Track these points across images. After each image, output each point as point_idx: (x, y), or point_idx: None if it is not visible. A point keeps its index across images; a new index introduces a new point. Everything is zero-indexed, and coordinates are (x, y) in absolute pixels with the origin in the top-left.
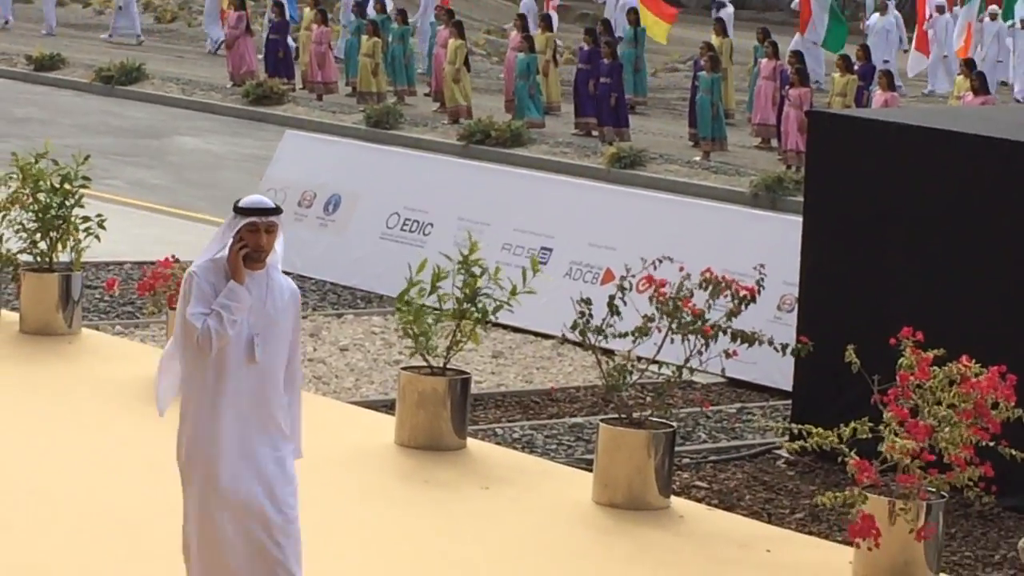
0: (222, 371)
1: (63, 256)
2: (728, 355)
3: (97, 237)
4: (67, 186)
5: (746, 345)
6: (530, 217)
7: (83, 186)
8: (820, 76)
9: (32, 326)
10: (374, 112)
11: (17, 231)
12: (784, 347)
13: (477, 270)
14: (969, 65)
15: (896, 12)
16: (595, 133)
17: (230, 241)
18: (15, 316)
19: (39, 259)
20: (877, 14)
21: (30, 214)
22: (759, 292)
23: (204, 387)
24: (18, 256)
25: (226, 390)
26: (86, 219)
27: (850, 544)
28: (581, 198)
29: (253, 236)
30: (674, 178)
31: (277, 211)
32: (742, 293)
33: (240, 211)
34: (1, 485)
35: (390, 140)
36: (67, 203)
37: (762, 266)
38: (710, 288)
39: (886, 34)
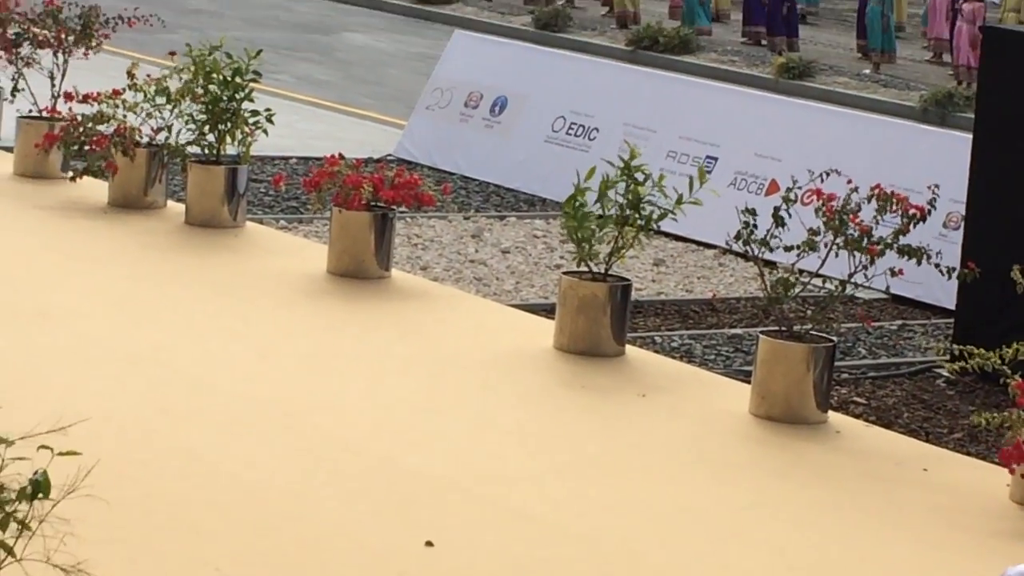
0: None
1: (230, 149)
2: (894, 273)
3: (265, 131)
4: (238, 79)
5: (914, 262)
6: (696, 125)
7: (253, 80)
8: None
9: (197, 218)
10: (542, 14)
11: (187, 122)
12: (950, 271)
13: (640, 176)
14: None
15: None
16: (764, 42)
17: None
18: (181, 207)
19: (207, 151)
20: None
21: (200, 106)
22: (930, 213)
23: None
24: (186, 148)
25: None
26: (255, 113)
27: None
28: (748, 107)
29: None
30: (843, 90)
31: None
32: (911, 211)
33: None
34: (163, 374)
35: (558, 43)
36: (237, 96)
37: (936, 186)
38: (879, 204)
39: None
